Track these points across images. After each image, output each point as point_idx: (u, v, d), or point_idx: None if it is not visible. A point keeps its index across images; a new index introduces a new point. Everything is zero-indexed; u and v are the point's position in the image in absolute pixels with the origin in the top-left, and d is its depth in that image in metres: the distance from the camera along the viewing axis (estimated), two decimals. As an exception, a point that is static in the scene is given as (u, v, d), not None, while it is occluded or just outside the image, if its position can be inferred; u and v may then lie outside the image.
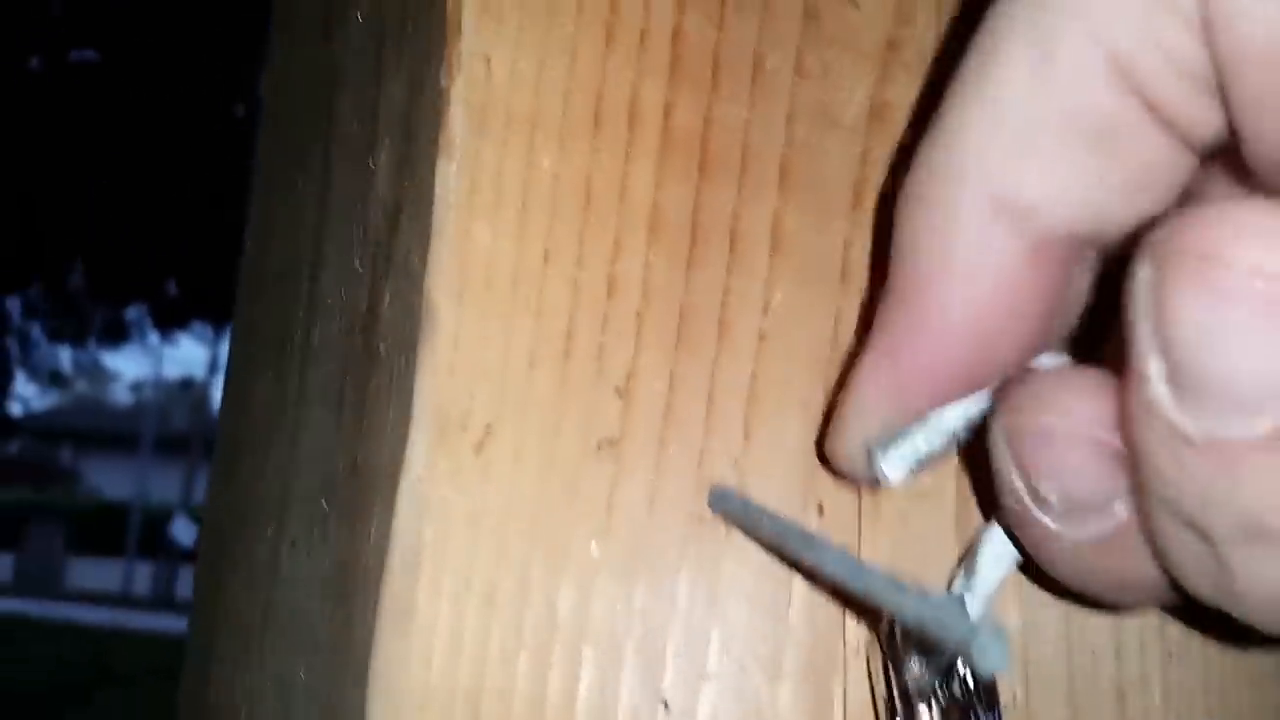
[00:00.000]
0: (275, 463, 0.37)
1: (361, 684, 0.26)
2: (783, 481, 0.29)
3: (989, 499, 0.29)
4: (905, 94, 0.31)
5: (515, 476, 0.27)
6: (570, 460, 0.27)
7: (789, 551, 0.26)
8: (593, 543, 0.27)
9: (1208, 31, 0.21)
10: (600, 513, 0.27)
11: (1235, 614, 0.23)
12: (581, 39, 0.29)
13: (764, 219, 0.30)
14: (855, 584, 0.24)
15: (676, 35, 0.29)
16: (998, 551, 0.27)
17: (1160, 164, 0.24)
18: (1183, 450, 0.20)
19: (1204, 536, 0.21)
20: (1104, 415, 0.23)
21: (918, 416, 0.26)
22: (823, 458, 0.29)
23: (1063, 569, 0.25)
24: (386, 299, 0.29)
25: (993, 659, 0.19)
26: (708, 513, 0.28)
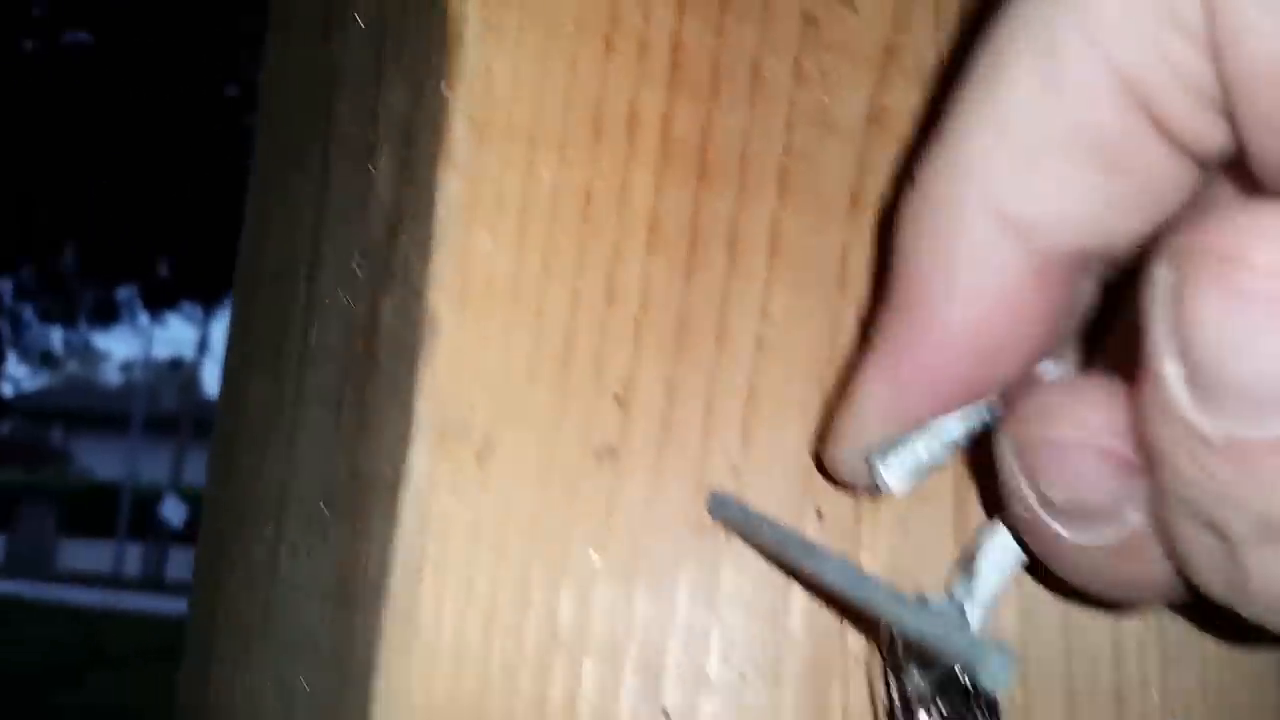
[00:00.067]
0: (273, 462, 0.37)
1: (365, 695, 0.26)
2: (781, 486, 0.29)
3: (993, 503, 0.29)
4: (903, 99, 0.31)
5: (515, 485, 0.27)
6: (570, 468, 0.28)
7: (789, 559, 0.27)
8: (592, 551, 0.27)
9: (1215, 48, 0.21)
10: (600, 520, 0.28)
11: (1246, 614, 0.23)
12: (582, 48, 0.29)
13: (762, 224, 0.30)
14: (856, 595, 0.24)
15: (676, 43, 0.29)
16: (998, 558, 0.27)
17: (1165, 178, 0.24)
18: (1201, 451, 0.20)
19: (1220, 536, 0.21)
20: (1113, 423, 0.23)
21: (918, 426, 0.27)
22: (821, 466, 0.29)
23: (1074, 573, 0.25)
24: (386, 306, 0.29)
25: (999, 677, 0.20)
26: (707, 520, 0.28)
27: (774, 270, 0.30)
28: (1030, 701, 0.29)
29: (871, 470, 0.27)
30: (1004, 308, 0.25)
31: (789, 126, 0.30)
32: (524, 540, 0.27)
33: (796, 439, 0.29)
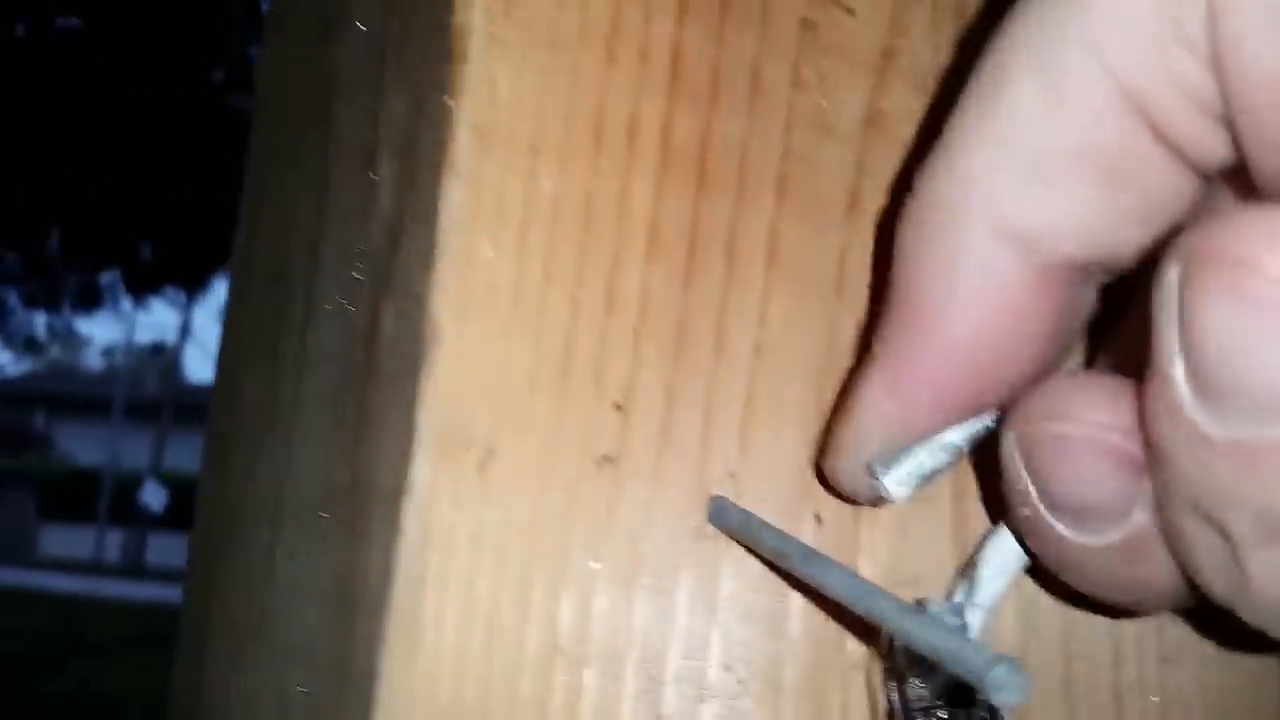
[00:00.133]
0: (268, 463, 0.37)
1: (367, 702, 0.26)
2: (780, 491, 0.29)
3: (994, 505, 0.29)
4: (900, 102, 0.31)
5: (516, 494, 0.27)
6: (570, 475, 0.28)
7: (790, 566, 0.27)
8: (591, 558, 0.27)
9: (1217, 60, 0.21)
10: (600, 527, 0.28)
11: (1247, 618, 0.23)
12: (583, 58, 0.29)
13: (760, 230, 0.30)
14: (858, 604, 0.24)
15: (676, 52, 0.29)
16: (1000, 562, 0.27)
17: (1167, 189, 0.24)
18: (1205, 451, 0.20)
19: (1224, 536, 0.21)
20: (1119, 421, 0.23)
21: (920, 436, 0.27)
22: (821, 476, 0.29)
23: (1078, 575, 0.26)
24: (387, 312, 0.29)
25: (1009, 693, 0.20)
26: (707, 526, 0.28)
27: (772, 276, 0.30)
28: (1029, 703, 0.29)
29: (874, 479, 0.27)
30: (1006, 319, 0.25)
31: (787, 131, 0.30)
32: (525, 547, 0.27)
33: (795, 444, 0.29)
